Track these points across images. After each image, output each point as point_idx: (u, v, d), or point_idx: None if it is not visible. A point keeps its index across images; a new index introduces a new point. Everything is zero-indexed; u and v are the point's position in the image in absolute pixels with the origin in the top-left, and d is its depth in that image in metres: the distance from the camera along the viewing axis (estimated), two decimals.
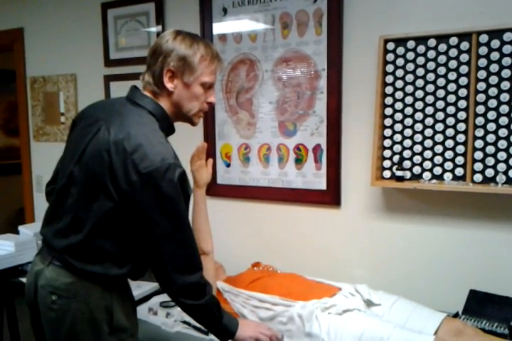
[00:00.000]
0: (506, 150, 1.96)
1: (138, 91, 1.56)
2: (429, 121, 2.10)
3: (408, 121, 2.14)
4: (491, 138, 1.98)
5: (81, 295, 1.47)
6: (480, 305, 2.01)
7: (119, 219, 1.45)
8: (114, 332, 1.50)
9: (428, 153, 2.11)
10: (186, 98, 1.52)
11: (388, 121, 2.17)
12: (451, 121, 2.06)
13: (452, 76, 2.04)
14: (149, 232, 1.43)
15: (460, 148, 2.05)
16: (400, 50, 2.13)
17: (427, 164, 2.12)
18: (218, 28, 2.66)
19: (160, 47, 1.50)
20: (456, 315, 2.02)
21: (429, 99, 2.09)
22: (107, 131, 1.43)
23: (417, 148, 2.13)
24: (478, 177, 2.01)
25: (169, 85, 1.50)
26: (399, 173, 2.13)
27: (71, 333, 1.48)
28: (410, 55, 2.12)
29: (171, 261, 1.44)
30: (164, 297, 2.35)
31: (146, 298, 2.35)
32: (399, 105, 2.15)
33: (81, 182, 1.48)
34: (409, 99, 2.13)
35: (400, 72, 2.14)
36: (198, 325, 2.04)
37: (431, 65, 2.08)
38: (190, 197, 1.51)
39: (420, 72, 2.10)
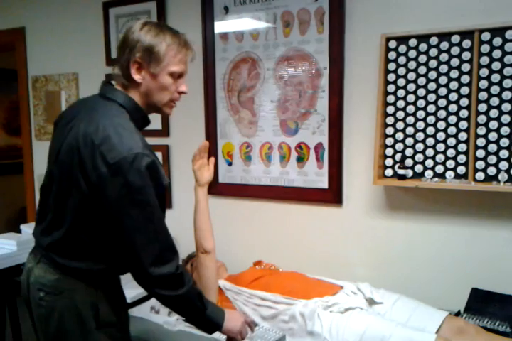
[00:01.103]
0: (508, 148, 1.96)
1: (108, 85, 1.56)
2: (430, 119, 2.10)
3: (410, 120, 2.14)
4: (492, 136, 1.98)
5: (66, 291, 1.49)
6: (482, 303, 2.01)
7: (93, 213, 1.45)
8: (101, 327, 1.51)
9: (430, 152, 2.11)
10: (155, 89, 1.50)
11: (390, 120, 2.17)
12: (452, 119, 2.06)
13: (454, 74, 2.04)
14: (120, 224, 1.41)
15: (462, 147, 2.05)
16: (402, 48, 2.13)
17: (429, 162, 2.11)
18: (220, 26, 2.66)
19: (126, 39, 1.49)
20: (458, 314, 2.02)
21: (431, 97, 2.09)
22: (78, 126, 1.45)
23: (419, 146, 2.13)
24: (480, 175, 2.01)
25: (137, 77, 1.48)
26: (401, 172, 2.13)
27: (59, 329, 1.50)
28: (412, 53, 2.11)
29: (144, 252, 1.42)
30: None
31: (148, 297, 2.35)
32: (400, 103, 2.15)
33: (57, 180, 1.51)
34: (410, 98, 2.13)
35: (401, 70, 2.14)
36: None
37: (433, 63, 2.08)
38: (165, 187, 1.48)
39: (422, 70, 2.10)
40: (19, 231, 2.78)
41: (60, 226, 1.49)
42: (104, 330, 1.51)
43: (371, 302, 2.03)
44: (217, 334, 1.92)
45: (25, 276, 1.59)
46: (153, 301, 2.28)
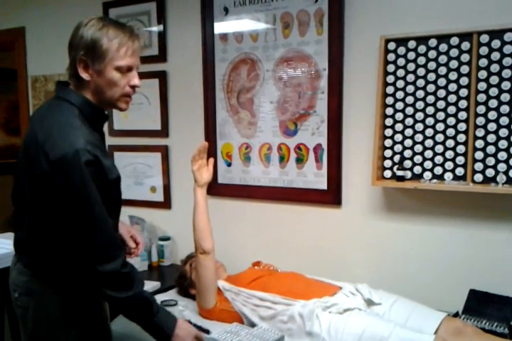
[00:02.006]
0: (507, 150, 1.96)
1: (60, 85, 1.56)
2: (429, 120, 2.10)
3: (409, 121, 2.14)
4: (491, 138, 1.99)
5: (36, 292, 1.52)
6: (480, 304, 2.02)
7: (45, 212, 1.46)
8: (71, 327, 1.53)
9: (429, 153, 2.12)
10: (104, 85, 1.47)
11: (389, 121, 2.18)
12: (451, 121, 2.06)
13: (453, 76, 2.05)
14: (64, 221, 1.42)
15: (461, 148, 2.05)
16: (401, 50, 2.14)
17: (428, 164, 2.12)
18: (219, 27, 2.66)
19: (73, 38, 1.48)
20: (456, 315, 2.02)
21: (430, 99, 2.10)
22: (30, 129, 1.48)
23: (418, 147, 2.13)
24: (478, 177, 2.01)
25: (84, 75, 1.46)
26: (399, 173, 2.13)
27: (35, 328, 1.53)
28: (411, 55, 2.12)
29: (87, 250, 1.42)
30: (164, 296, 2.37)
31: None
32: (400, 105, 2.16)
33: (16, 182, 1.54)
34: (409, 99, 2.14)
35: (400, 72, 2.15)
36: (198, 323, 2.05)
37: (432, 65, 2.08)
38: (112, 182, 1.47)
39: (421, 72, 2.11)
40: None
41: (22, 227, 1.52)
42: (75, 330, 1.53)
43: (370, 303, 2.03)
44: (216, 335, 1.93)
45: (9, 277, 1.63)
46: None
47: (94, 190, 1.39)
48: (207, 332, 1.99)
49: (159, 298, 2.31)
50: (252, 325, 2.01)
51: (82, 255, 1.43)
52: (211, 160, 2.17)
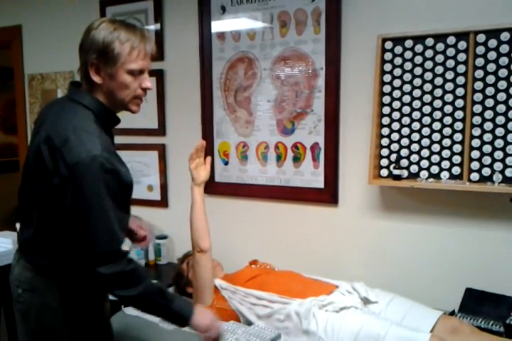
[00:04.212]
0: (503, 149, 1.97)
1: (74, 88, 1.55)
2: (426, 120, 2.11)
3: (405, 120, 2.15)
4: (487, 137, 1.99)
5: (40, 288, 1.52)
6: (476, 303, 2.03)
7: (56, 214, 1.46)
8: (72, 325, 1.53)
9: (425, 152, 2.12)
10: (116, 88, 1.48)
11: (386, 120, 2.18)
12: (448, 120, 2.07)
13: (449, 75, 2.05)
14: (73, 224, 1.42)
15: (457, 147, 2.06)
16: (398, 49, 2.14)
17: (424, 163, 2.13)
18: (217, 26, 2.66)
19: (84, 40, 1.48)
20: (452, 313, 2.03)
21: (427, 98, 2.10)
22: (44, 130, 1.46)
23: (414, 146, 2.14)
24: (474, 176, 2.02)
25: (96, 78, 1.46)
26: (396, 172, 2.14)
27: (38, 324, 1.53)
28: (408, 54, 2.12)
29: (90, 252, 1.42)
30: None
31: None
32: (396, 104, 2.16)
33: (25, 182, 1.54)
34: (406, 98, 2.14)
35: (397, 71, 2.15)
36: None
37: (428, 64, 2.09)
38: (127, 187, 1.48)
39: (418, 71, 2.11)
40: (15, 230, 2.78)
41: (30, 225, 1.52)
42: (77, 326, 1.53)
43: (366, 301, 2.04)
44: None
45: (10, 274, 1.63)
46: None
47: (106, 196, 1.40)
48: None
49: None
50: (249, 323, 2.02)
51: (85, 257, 1.43)
52: (208, 158, 2.18)
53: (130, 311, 2.19)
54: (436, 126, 2.09)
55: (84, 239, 1.42)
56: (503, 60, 1.95)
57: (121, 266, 1.44)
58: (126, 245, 1.64)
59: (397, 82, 2.16)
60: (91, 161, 1.35)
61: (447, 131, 2.07)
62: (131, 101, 1.52)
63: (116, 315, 2.11)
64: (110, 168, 1.40)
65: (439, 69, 2.07)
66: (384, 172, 2.20)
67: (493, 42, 1.96)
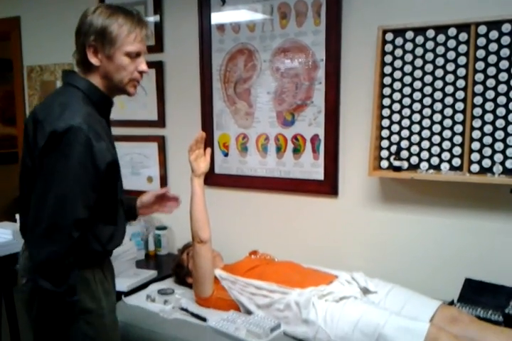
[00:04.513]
0: (503, 140, 1.98)
1: (67, 72, 1.60)
2: (426, 111, 2.11)
3: (406, 112, 2.15)
4: (488, 128, 2.00)
5: None
6: (475, 293, 2.04)
7: None
8: (78, 314, 1.50)
9: (425, 144, 2.13)
10: (113, 70, 1.51)
11: (386, 112, 2.19)
12: (448, 111, 2.07)
13: (450, 67, 2.06)
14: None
15: (457, 139, 2.06)
16: (399, 41, 2.14)
17: (424, 154, 2.13)
18: (216, 17, 2.65)
19: (81, 25, 1.51)
20: (451, 303, 2.04)
21: (427, 89, 2.10)
22: (32, 111, 1.50)
23: (415, 138, 2.14)
24: (475, 167, 2.03)
25: (93, 60, 1.49)
26: (396, 163, 2.15)
27: (40, 313, 1.50)
28: (409, 46, 2.12)
29: (34, 225, 1.37)
30: (162, 284, 2.38)
31: (144, 286, 2.37)
32: (397, 96, 2.16)
33: (22, 168, 1.52)
34: (407, 90, 2.14)
35: (398, 63, 2.15)
36: (195, 311, 2.07)
37: (429, 56, 2.09)
38: (96, 165, 1.41)
39: (418, 62, 2.11)
40: (15, 220, 2.78)
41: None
42: (81, 317, 1.51)
43: (365, 291, 2.05)
44: (213, 323, 1.95)
45: (17, 264, 1.62)
46: (148, 290, 2.30)
47: (76, 168, 1.37)
48: (204, 320, 2.01)
49: (157, 286, 2.34)
50: (249, 313, 2.03)
51: (28, 231, 1.39)
52: (208, 150, 2.18)
53: (131, 301, 2.20)
54: (437, 117, 2.09)
55: (32, 209, 1.39)
56: (504, 52, 1.95)
57: (57, 249, 1.36)
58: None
59: (397, 74, 2.16)
60: (66, 130, 1.35)
61: (447, 122, 2.08)
62: (128, 83, 1.54)
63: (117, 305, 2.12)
64: (84, 141, 1.38)
65: (440, 61, 2.07)
66: (384, 163, 2.21)
67: (494, 34, 1.96)
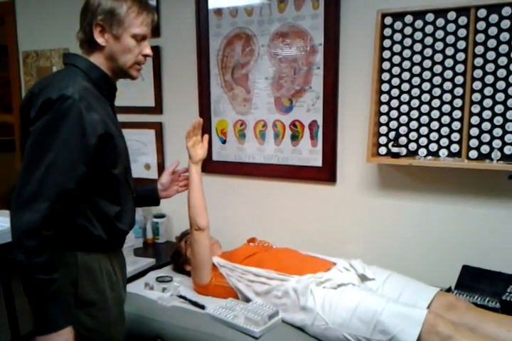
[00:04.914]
0: (502, 126, 1.96)
1: (68, 53, 1.59)
2: (425, 97, 2.09)
3: (404, 97, 2.13)
4: (487, 114, 1.98)
5: None
6: (472, 280, 2.04)
7: None
8: (80, 306, 1.48)
9: (424, 130, 2.11)
10: (119, 51, 1.51)
11: (385, 97, 2.16)
12: (447, 97, 2.05)
13: (450, 51, 2.03)
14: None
15: (456, 125, 2.04)
16: (398, 25, 2.11)
17: (423, 140, 2.12)
18: (214, 1, 2.61)
19: (88, 4, 1.51)
20: (449, 290, 2.04)
21: (426, 74, 2.08)
22: (28, 90, 1.49)
23: (413, 124, 2.13)
24: (473, 153, 2.01)
25: (100, 40, 1.49)
26: (395, 150, 2.13)
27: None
28: (408, 30, 2.09)
29: (19, 193, 1.33)
30: (160, 272, 2.38)
31: (142, 273, 2.37)
32: (395, 81, 2.14)
33: (21, 150, 1.49)
34: (405, 75, 2.12)
35: (397, 48, 2.12)
36: (193, 299, 2.07)
37: (428, 40, 2.06)
38: (97, 136, 1.38)
39: (417, 47, 2.08)
40: None
41: None
42: (83, 309, 1.49)
43: (363, 278, 2.05)
44: (211, 310, 1.94)
45: None
46: (147, 278, 2.30)
47: (62, 139, 1.34)
48: (202, 307, 2.01)
49: (155, 274, 2.34)
50: (247, 300, 2.03)
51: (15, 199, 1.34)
52: (206, 136, 2.15)
53: (129, 289, 2.20)
54: (436, 103, 2.07)
55: (18, 176, 1.36)
56: (504, 36, 1.93)
57: (35, 218, 1.32)
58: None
59: (396, 59, 2.13)
60: (57, 99, 1.34)
61: (446, 108, 2.06)
62: (132, 66, 1.54)
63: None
64: (74, 111, 1.36)
65: (439, 46, 2.04)
66: (382, 150, 2.19)
67: (494, 18, 1.93)
